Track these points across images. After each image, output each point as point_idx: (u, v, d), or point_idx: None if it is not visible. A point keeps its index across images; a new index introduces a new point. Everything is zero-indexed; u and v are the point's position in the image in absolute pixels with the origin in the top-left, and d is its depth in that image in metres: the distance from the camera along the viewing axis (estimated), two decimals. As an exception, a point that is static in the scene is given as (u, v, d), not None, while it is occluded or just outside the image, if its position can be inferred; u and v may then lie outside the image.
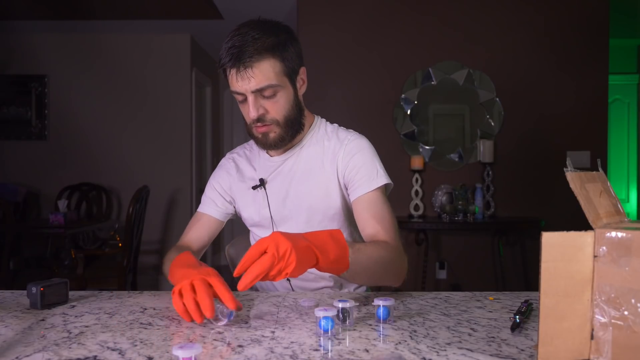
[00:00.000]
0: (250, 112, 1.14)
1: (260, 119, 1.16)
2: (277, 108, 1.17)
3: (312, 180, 1.25)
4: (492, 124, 3.60)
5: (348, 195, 1.25)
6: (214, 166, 5.82)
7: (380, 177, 1.20)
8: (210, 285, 0.88)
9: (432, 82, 3.62)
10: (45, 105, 4.75)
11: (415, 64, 3.62)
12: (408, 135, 3.63)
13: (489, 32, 3.60)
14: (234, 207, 1.35)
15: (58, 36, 4.74)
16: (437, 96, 3.64)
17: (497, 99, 3.58)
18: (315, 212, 1.24)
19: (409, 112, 3.63)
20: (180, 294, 0.88)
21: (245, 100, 1.15)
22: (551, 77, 3.58)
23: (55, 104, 4.76)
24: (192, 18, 4.36)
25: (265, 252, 0.85)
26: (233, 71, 1.12)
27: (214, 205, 1.34)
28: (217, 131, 5.97)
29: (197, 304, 0.85)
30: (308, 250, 0.88)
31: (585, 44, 3.56)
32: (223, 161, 1.40)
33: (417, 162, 3.52)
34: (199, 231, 1.32)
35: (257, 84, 1.12)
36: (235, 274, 0.88)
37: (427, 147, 3.63)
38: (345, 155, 1.24)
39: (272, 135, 1.19)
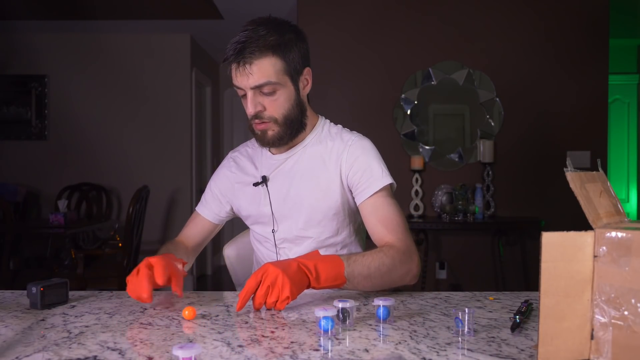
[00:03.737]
0: (248, 107, 1.16)
1: (258, 116, 1.17)
2: (276, 106, 1.17)
3: (314, 180, 1.25)
4: (492, 124, 3.60)
5: (352, 197, 1.26)
6: (214, 166, 5.81)
7: (383, 178, 1.21)
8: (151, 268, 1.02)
9: (432, 82, 3.62)
10: (45, 105, 4.75)
11: (415, 64, 3.62)
12: (408, 135, 3.63)
13: (489, 32, 3.59)
14: (231, 207, 1.37)
15: (58, 36, 4.74)
16: (437, 96, 3.64)
17: (497, 99, 3.58)
18: (315, 211, 1.24)
19: (409, 112, 3.63)
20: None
21: (245, 95, 1.17)
22: (551, 77, 3.58)
23: (55, 104, 4.76)
24: (192, 18, 4.36)
25: (260, 282, 0.96)
26: (234, 66, 1.14)
27: (209, 207, 1.37)
28: (217, 131, 5.97)
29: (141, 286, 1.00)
30: (299, 272, 0.97)
31: (585, 44, 3.56)
32: (224, 161, 1.41)
33: (417, 162, 3.52)
34: (192, 230, 1.38)
35: (255, 81, 1.13)
36: (238, 309, 0.96)
37: (427, 147, 3.63)
38: (349, 157, 1.24)
39: (270, 133, 1.20)
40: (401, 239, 1.15)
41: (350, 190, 1.25)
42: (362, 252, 1.12)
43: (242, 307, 0.95)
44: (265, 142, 1.22)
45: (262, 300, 0.95)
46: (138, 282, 0.99)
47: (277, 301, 0.94)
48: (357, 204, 1.25)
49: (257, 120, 1.18)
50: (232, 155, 1.40)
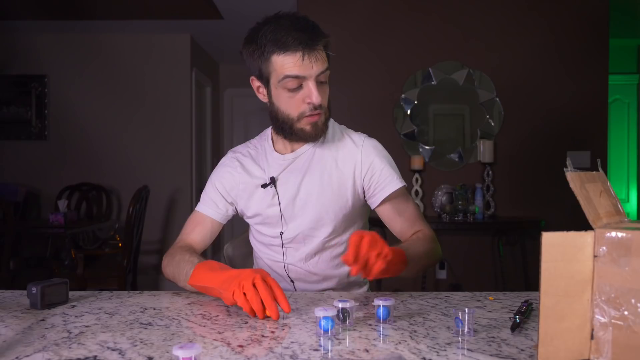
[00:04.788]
0: (315, 97, 1.13)
1: (321, 106, 1.16)
2: (326, 94, 1.19)
3: (325, 180, 1.24)
4: (492, 124, 3.60)
5: (365, 196, 1.27)
6: (213, 166, 5.79)
7: (399, 179, 1.26)
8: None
9: (432, 82, 3.62)
10: (45, 105, 4.75)
11: (415, 64, 3.62)
12: (408, 135, 3.63)
13: (489, 32, 3.59)
14: (235, 207, 1.31)
15: (58, 36, 4.74)
16: (437, 96, 3.64)
17: (497, 99, 3.58)
18: (326, 211, 1.23)
19: (409, 112, 3.63)
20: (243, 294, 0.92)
21: (299, 87, 1.13)
22: (551, 77, 3.58)
23: (55, 104, 4.76)
24: (192, 18, 4.36)
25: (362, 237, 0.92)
26: (305, 55, 1.10)
27: (215, 207, 1.29)
28: (217, 131, 5.97)
29: (262, 302, 0.90)
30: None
31: (585, 44, 3.56)
32: (225, 160, 1.34)
33: (417, 162, 3.52)
34: (200, 233, 1.29)
35: (321, 67, 1.13)
36: (351, 263, 0.91)
37: (427, 147, 3.63)
38: (365, 158, 1.25)
39: (320, 123, 1.19)
40: (426, 227, 1.28)
41: (363, 191, 1.26)
42: (404, 243, 1.18)
43: (352, 259, 0.91)
44: (317, 134, 1.20)
45: (367, 252, 0.91)
46: (266, 294, 0.90)
47: (379, 255, 0.92)
48: (375, 204, 1.26)
49: (315, 112, 1.16)
50: (234, 155, 1.33)
